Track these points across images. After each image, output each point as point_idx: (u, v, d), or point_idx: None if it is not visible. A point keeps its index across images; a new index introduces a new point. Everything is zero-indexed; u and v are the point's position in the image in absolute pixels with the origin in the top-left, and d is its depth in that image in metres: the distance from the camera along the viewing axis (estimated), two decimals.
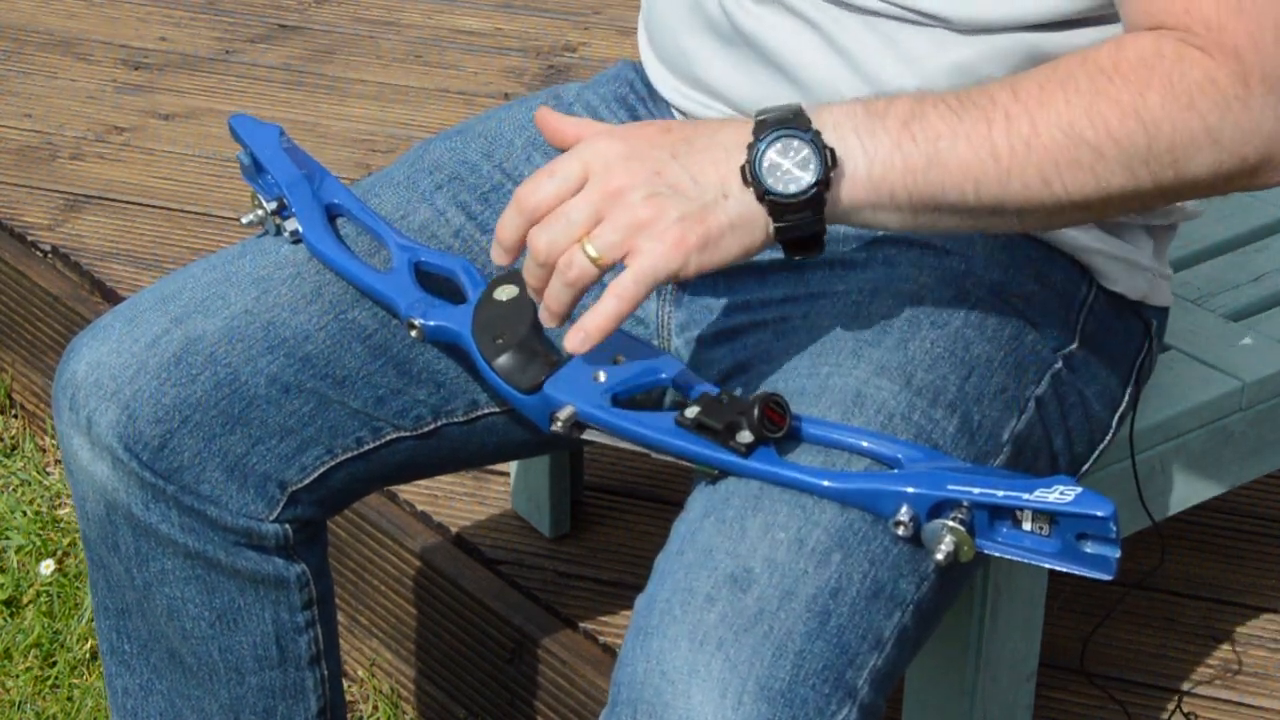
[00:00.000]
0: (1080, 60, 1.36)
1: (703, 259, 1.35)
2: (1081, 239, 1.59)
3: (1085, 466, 1.64)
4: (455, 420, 1.64)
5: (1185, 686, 2.04)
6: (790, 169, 1.34)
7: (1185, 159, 1.36)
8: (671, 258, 1.34)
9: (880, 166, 1.35)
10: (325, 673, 1.70)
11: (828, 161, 1.34)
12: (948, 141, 1.34)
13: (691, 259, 1.34)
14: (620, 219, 1.34)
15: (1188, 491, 1.84)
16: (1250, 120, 1.35)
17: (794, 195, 1.34)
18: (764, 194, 1.34)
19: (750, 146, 1.34)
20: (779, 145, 1.34)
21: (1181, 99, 1.34)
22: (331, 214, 1.63)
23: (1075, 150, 1.35)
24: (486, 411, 1.64)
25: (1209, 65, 1.34)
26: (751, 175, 1.34)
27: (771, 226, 1.36)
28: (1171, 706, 2.00)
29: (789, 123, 1.34)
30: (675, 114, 1.67)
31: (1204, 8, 1.34)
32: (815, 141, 1.34)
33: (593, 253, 1.35)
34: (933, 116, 1.35)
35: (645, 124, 1.38)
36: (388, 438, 1.62)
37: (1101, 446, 1.65)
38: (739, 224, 1.35)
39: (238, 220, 1.64)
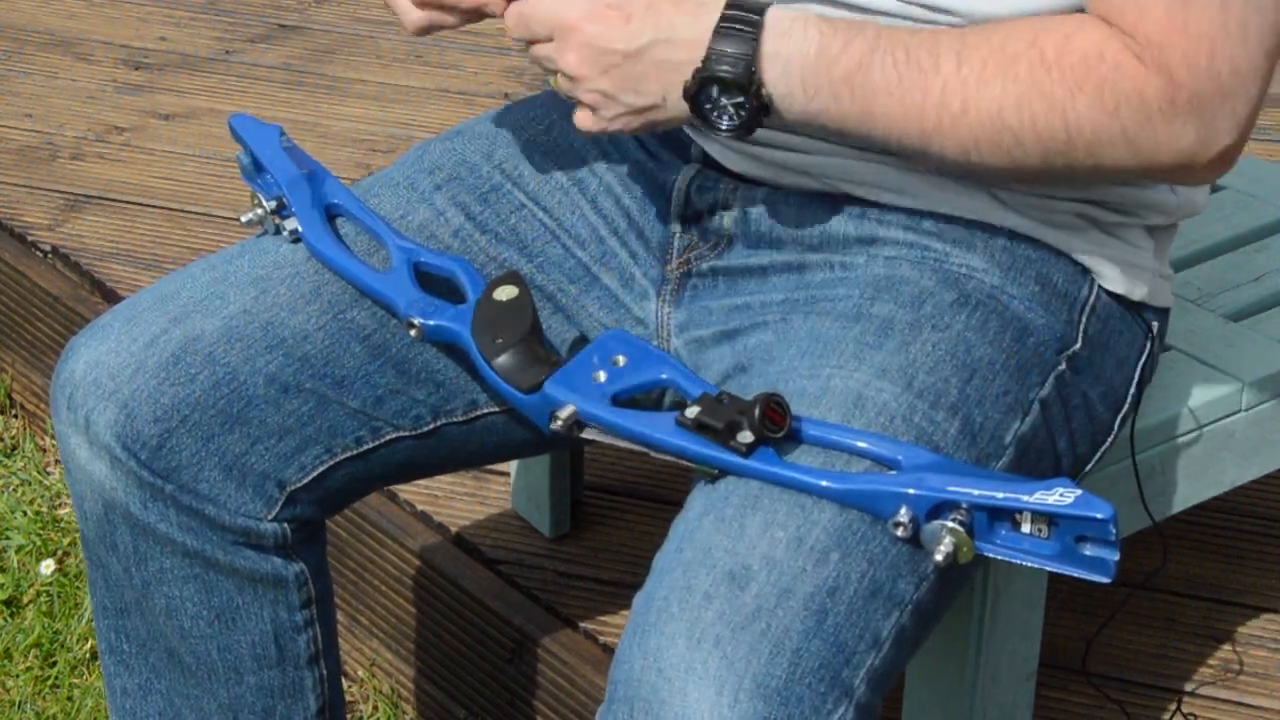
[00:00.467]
0: (1029, 42, 1.42)
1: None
2: (1085, 243, 1.59)
3: (1088, 467, 1.64)
4: (455, 420, 1.64)
5: (1185, 687, 2.04)
6: (727, 107, 1.43)
7: (1100, 156, 1.44)
8: (597, 124, 1.49)
9: (817, 109, 1.44)
10: (324, 672, 1.70)
11: (759, 118, 1.44)
12: (882, 100, 1.43)
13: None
14: (573, 91, 1.47)
15: (1188, 491, 1.84)
16: (1169, 135, 1.42)
17: (713, 128, 1.45)
18: (699, 119, 1.45)
19: (695, 74, 1.43)
20: (720, 89, 1.43)
21: (1109, 105, 1.41)
22: (331, 214, 1.63)
23: (998, 134, 1.43)
24: (486, 411, 1.64)
25: (1142, 78, 1.41)
26: (691, 103, 1.44)
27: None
28: (1172, 707, 2.00)
29: (735, 59, 1.42)
30: None
31: (1150, 23, 1.40)
32: (753, 99, 1.42)
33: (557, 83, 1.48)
34: (876, 72, 1.43)
35: (610, 2, 1.45)
36: (387, 437, 1.62)
37: (1104, 448, 1.65)
38: (672, 120, 1.47)
39: (238, 220, 1.65)
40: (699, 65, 1.42)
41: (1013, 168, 1.46)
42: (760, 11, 1.43)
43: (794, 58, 1.43)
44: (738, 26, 1.42)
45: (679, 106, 1.45)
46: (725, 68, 1.42)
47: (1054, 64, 1.41)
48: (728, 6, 1.43)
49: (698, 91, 1.43)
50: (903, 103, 1.43)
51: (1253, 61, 1.41)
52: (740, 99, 1.43)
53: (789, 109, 1.44)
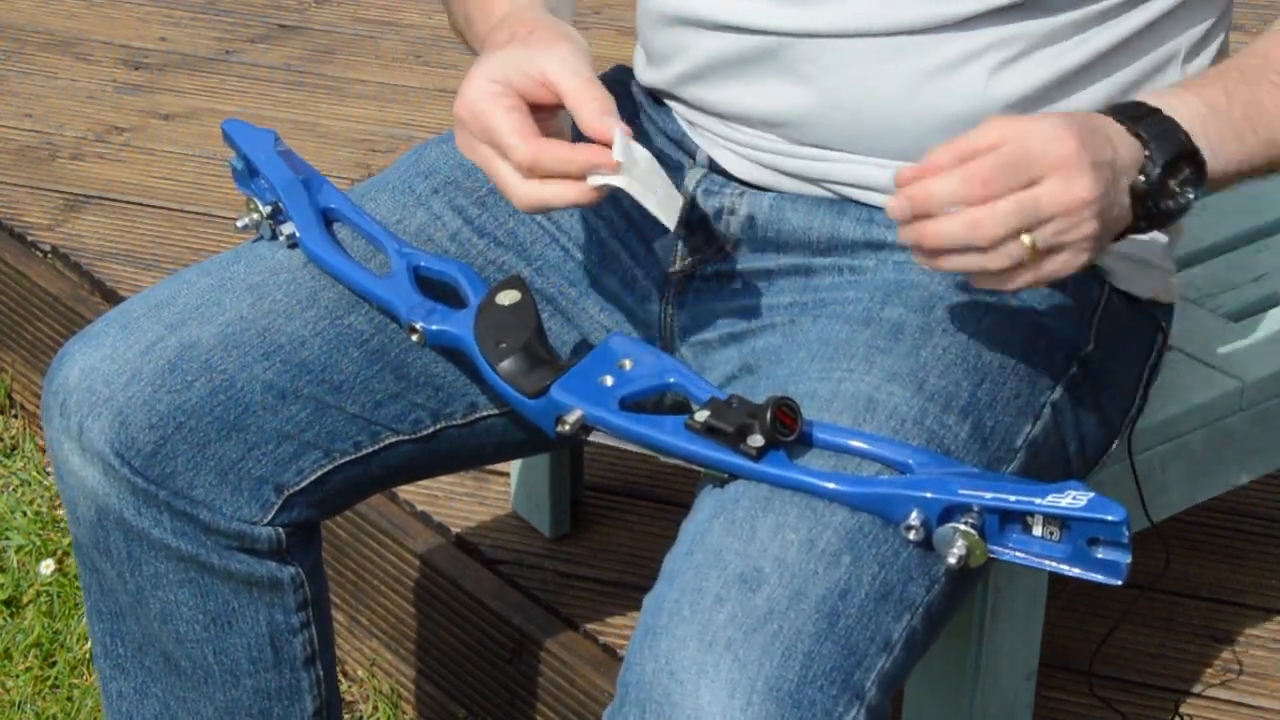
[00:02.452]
0: None
1: None
2: None
3: (1093, 469, 1.64)
4: (454, 423, 1.64)
5: (1185, 687, 2.04)
6: (1173, 189, 1.40)
7: None
8: (1079, 266, 1.38)
9: (1225, 160, 1.44)
10: (320, 673, 1.69)
11: (1203, 182, 1.41)
12: (1274, 117, 1.46)
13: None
14: (1072, 232, 1.35)
15: (1188, 491, 1.84)
16: None
17: (1176, 211, 1.40)
18: (1150, 214, 1.40)
19: (1144, 168, 1.38)
20: (1170, 174, 1.39)
21: None
22: (328, 219, 1.62)
23: None
24: (486, 414, 1.64)
25: None
26: (1143, 201, 1.39)
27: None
28: (1171, 707, 2.00)
29: (1172, 138, 1.39)
30: (681, 123, 1.67)
31: None
32: (1198, 170, 1.40)
33: (1028, 243, 1.35)
34: (1268, 102, 1.46)
35: (1068, 123, 1.37)
36: (386, 441, 1.62)
37: (1113, 448, 1.65)
38: (1116, 230, 1.40)
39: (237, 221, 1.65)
40: (1144, 160, 1.38)
41: None
42: (1137, 102, 1.42)
43: (1195, 123, 1.41)
44: (1142, 116, 1.40)
45: (1125, 213, 1.39)
46: (1172, 148, 1.39)
47: None
48: (1107, 112, 1.40)
49: (1154, 182, 1.39)
50: None
51: None
52: (1187, 171, 1.40)
53: (1210, 166, 1.43)
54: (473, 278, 1.56)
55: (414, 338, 1.54)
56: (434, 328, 1.53)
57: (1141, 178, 1.38)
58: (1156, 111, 1.41)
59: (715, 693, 1.31)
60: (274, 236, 1.62)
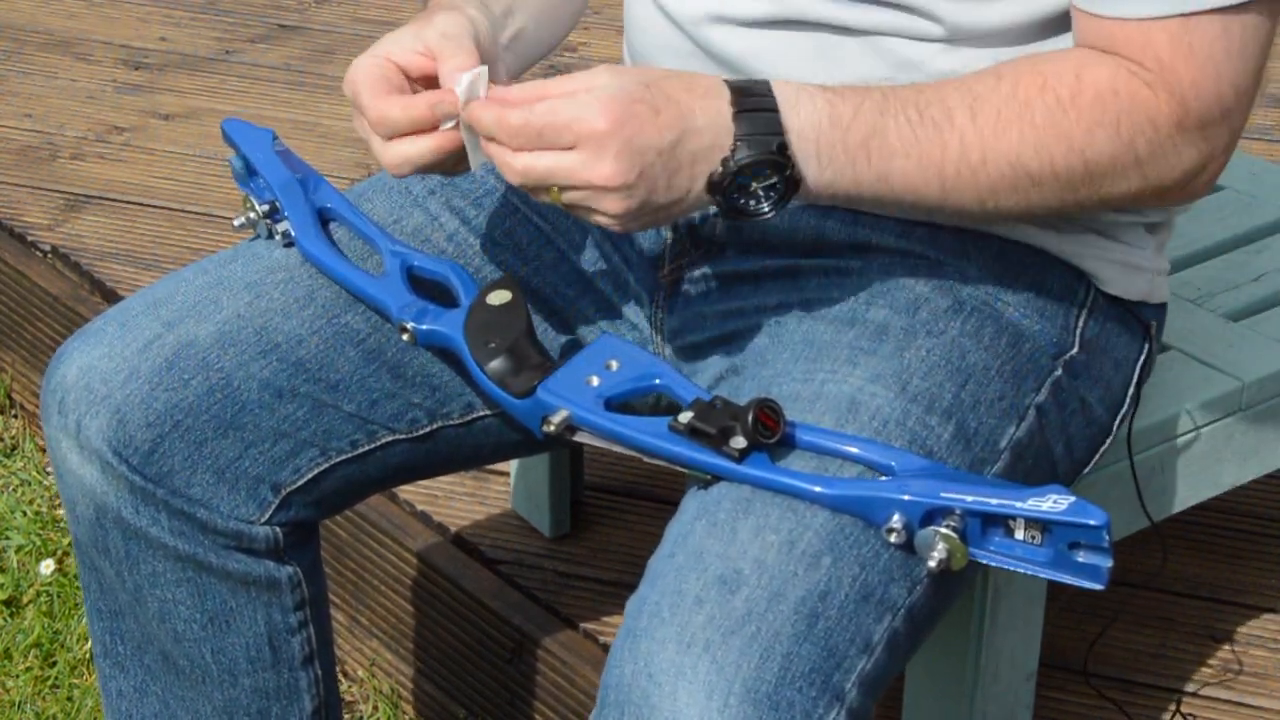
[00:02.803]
0: (1040, 86, 1.42)
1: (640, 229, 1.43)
2: (1080, 247, 1.59)
3: (1086, 470, 1.64)
4: (451, 423, 1.64)
5: (1185, 687, 2.04)
6: (756, 191, 1.39)
7: (1111, 186, 1.45)
8: (617, 228, 1.40)
9: (831, 178, 1.41)
10: (319, 673, 1.69)
11: (792, 195, 1.40)
12: (899, 161, 1.42)
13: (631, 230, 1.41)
14: (594, 203, 1.38)
15: (1188, 491, 1.84)
16: (1176, 157, 1.45)
17: (752, 214, 1.40)
18: (727, 208, 1.40)
19: (725, 161, 1.38)
20: (753, 168, 1.38)
21: (1124, 138, 1.43)
22: (324, 218, 1.62)
23: (1016, 180, 1.43)
24: (483, 414, 1.64)
25: (1153, 105, 1.43)
26: (721, 194, 1.39)
27: (718, 214, 1.44)
28: (1171, 707, 2.00)
29: (764, 140, 1.38)
30: None
31: (1158, 47, 1.42)
32: (787, 176, 1.39)
33: (558, 199, 1.38)
34: (892, 134, 1.41)
35: (633, 97, 1.36)
36: (383, 440, 1.62)
37: (1103, 449, 1.65)
38: (688, 210, 1.41)
39: (234, 220, 1.65)
40: (727, 152, 1.38)
41: (1027, 208, 1.46)
42: (768, 89, 1.40)
43: (808, 130, 1.40)
44: (756, 108, 1.39)
45: (700, 197, 1.39)
46: (757, 151, 1.38)
47: (1070, 104, 1.42)
48: (733, 89, 1.39)
49: (729, 177, 1.38)
50: (920, 162, 1.42)
51: (1250, 79, 1.44)
52: (774, 180, 1.39)
53: (807, 181, 1.41)
54: (465, 278, 1.56)
55: (405, 337, 1.54)
56: (424, 327, 1.53)
57: (719, 169, 1.38)
58: (773, 109, 1.39)
59: (693, 695, 1.31)
60: (270, 235, 1.62)
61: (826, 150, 1.40)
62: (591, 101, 1.35)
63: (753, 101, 1.39)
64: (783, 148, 1.38)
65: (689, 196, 1.39)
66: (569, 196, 1.37)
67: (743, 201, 1.39)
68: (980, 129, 1.42)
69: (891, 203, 1.45)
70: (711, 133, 1.38)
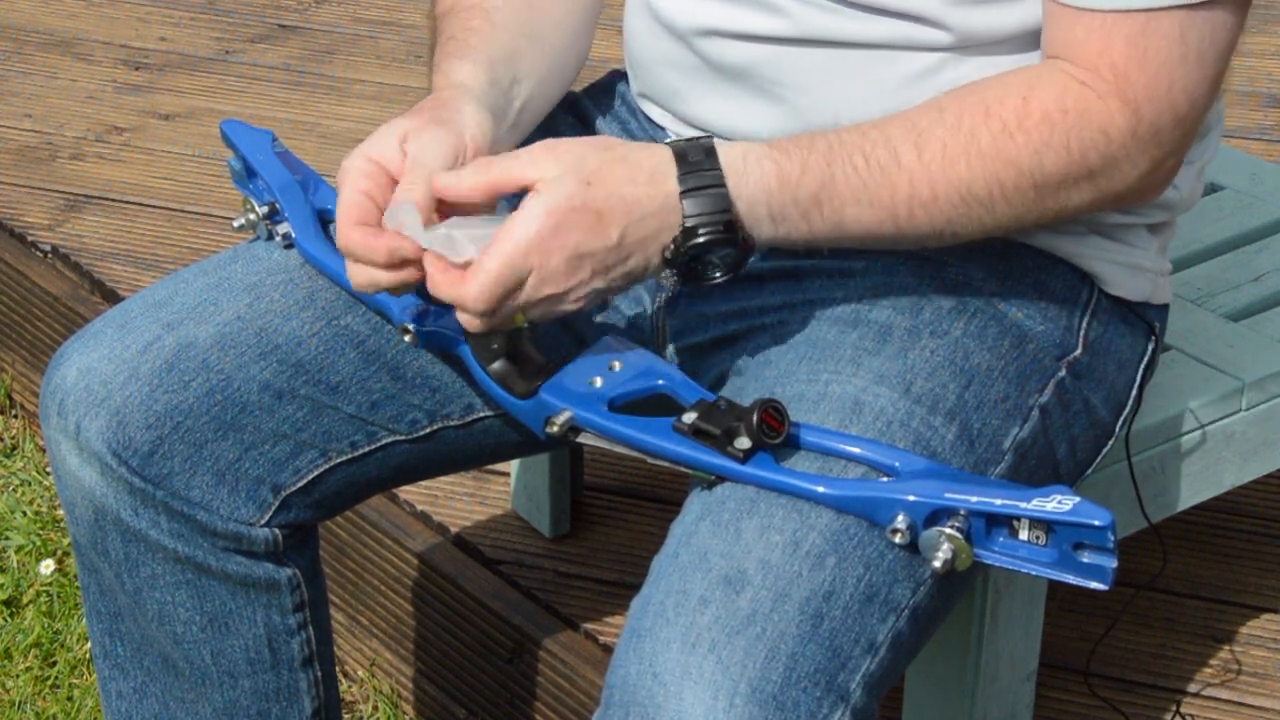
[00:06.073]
0: (984, 114, 1.43)
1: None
2: (1083, 249, 1.59)
3: (1089, 470, 1.64)
4: (451, 424, 1.64)
5: (1185, 687, 2.04)
6: (711, 261, 1.42)
7: (1066, 199, 1.46)
8: (573, 311, 1.43)
9: (786, 233, 1.44)
10: (319, 674, 1.69)
11: (747, 259, 1.42)
12: (852, 209, 1.43)
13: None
14: (557, 306, 1.42)
15: (1188, 491, 1.84)
16: (1130, 166, 1.45)
17: (708, 280, 1.43)
18: (684, 279, 1.43)
19: (675, 240, 1.40)
20: (704, 245, 1.40)
21: (1075, 154, 1.43)
22: (324, 220, 1.62)
23: (969, 208, 1.44)
24: (483, 415, 1.64)
25: (1105, 116, 1.43)
26: (675, 267, 1.42)
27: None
28: (1172, 707, 2.00)
29: (713, 218, 1.40)
30: (670, 135, 1.67)
31: (1114, 54, 1.42)
32: (739, 247, 1.41)
33: (522, 322, 1.44)
34: (841, 183, 1.42)
35: (572, 205, 1.39)
36: (382, 441, 1.62)
37: (1105, 450, 1.65)
38: (652, 276, 1.44)
39: (233, 221, 1.65)
40: (678, 233, 1.40)
41: (985, 230, 1.47)
42: (712, 157, 1.41)
43: (758, 195, 1.41)
44: (702, 185, 1.40)
45: (659, 268, 1.43)
46: (707, 231, 1.40)
47: (1016, 128, 1.42)
48: (680, 164, 1.40)
49: (681, 254, 1.41)
50: (873, 206, 1.43)
51: (1205, 87, 1.44)
52: (728, 251, 1.41)
53: (761, 239, 1.43)
54: None
55: (406, 339, 1.54)
56: (426, 329, 1.53)
57: (671, 246, 1.40)
58: (719, 184, 1.40)
59: (699, 695, 1.31)
60: (270, 237, 1.62)
61: (779, 210, 1.42)
62: (531, 220, 1.38)
63: (699, 179, 1.40)
64: (730, 224, 1.40)
65: (647, 272, 1.42)
66: (533, 314, 1.42)
67: (699, 269, 1.42)
68: (928, 164, 1.42)
69: (850, 243, 1.46)
70: (658, 218, 1.40)
